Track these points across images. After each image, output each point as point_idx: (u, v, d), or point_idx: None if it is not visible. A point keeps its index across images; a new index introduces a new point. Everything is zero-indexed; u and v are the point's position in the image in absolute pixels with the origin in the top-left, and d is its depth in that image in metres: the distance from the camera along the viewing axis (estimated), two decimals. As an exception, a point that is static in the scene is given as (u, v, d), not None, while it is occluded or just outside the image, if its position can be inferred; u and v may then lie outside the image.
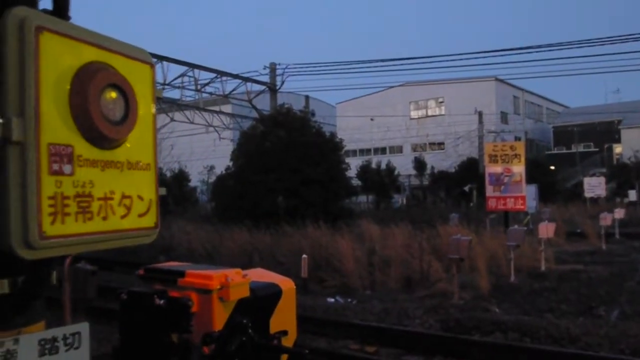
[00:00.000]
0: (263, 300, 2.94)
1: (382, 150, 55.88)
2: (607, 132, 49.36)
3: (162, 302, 2.59)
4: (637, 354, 6.21)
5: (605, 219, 16.19)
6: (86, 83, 0.97)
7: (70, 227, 0.95)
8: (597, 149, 50.78)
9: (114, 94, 1.02)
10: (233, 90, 26.37)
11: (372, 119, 52.45)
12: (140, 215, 1.12)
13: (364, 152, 54.53)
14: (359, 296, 9.53)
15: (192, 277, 2.76)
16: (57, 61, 0.94)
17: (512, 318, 7.57)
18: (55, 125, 0.93)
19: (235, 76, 25.85)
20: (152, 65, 1.19)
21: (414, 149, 54.15)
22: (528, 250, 11.82)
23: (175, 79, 24.15)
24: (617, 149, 45.74)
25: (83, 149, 0.97)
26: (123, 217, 1.06)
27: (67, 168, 0.95)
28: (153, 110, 1.17)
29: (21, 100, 0.89)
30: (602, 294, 9.28)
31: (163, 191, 1.26)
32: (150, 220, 1.14)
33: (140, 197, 1.11)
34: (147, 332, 2.77)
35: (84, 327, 1.12)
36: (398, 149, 55.90)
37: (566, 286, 9.90)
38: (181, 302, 2.63)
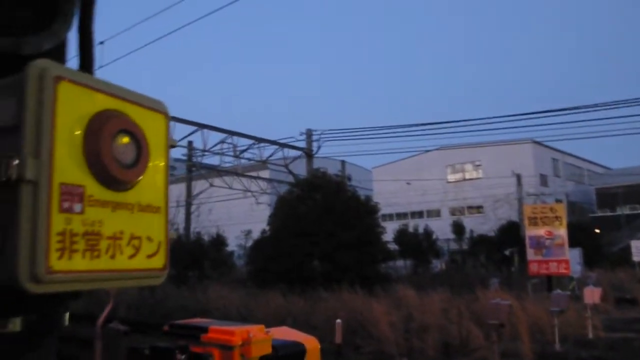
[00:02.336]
0: (285, 358, 2.89)
1: (420, 214, 55.34)
2: (654, 194, 47.74)
3: (183, 357, 2.58)
4: None
5: (657, 284, 15.37)
6: (99, 128, 1.03)
7: (78, 264, 0.98)
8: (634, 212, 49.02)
9: (126, 139, 1.08)
10: (270, 156, 26.95)
11: (408, 183, 52.35)
12: (149, 256, 1.15)
13: (400, 216, 54.11)
14: (396, 363, 9.20)
15: (214, 332, 2.76)
16: (73, 107, 1.01)
17: (559, 388, 7.14)
18: (68, 166, 0.99)
19: (273, 142, 26.49)
20: (167, 115, 1.25)
21: (452, 213, 53.43)
22: (573, 317, 11.25)
23: (215, 145, 24.94)
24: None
25: (94, 189, 1.02)
26: (131, 257, 1.09)
27: (77, 207, 1.00)
28: (166, 156, 1.23)
29: (37, 143, 0.95)
30: (656, 363, 8.69)
31: (173, 235, 1.29)
32: (159, 261, 1.17)
33: (149, 239, 1.14)
34: (168, 389, 2.75)
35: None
36: (436, 213, 55.27)
37: (616, 355, 9.32)
38: (202, 357, 2.62)
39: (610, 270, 25.88)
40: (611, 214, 50.74)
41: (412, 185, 52.05)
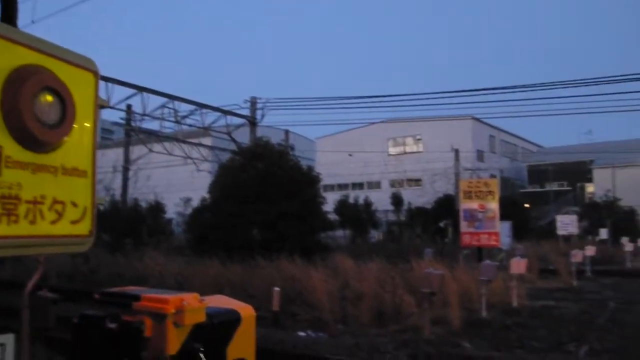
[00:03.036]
0: (220, 326, 2.88)
1: (360, 186, 56.17)
2: (580, 172, 50.48)
3: (114, 325, 2.52)
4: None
5: (577, 257, 16.40)
6: (20, 84, 0.97)
7: (-7, 229, 0.93)
8: (570, 188, 51.80)
9: (49, 97, 1.01)
10: (213, 123, 26.43)
11: (350, 155, 52.86)
12: (74, 222, 1.10)
13: (342, 187, 54.71)
14: (331, 330, 9.40)
15: (147, 300, 2.70)
16: (-11, 61, 0.94)
17: (483, 354, 7.54)
18: (-17, 124, 0.92)
19: (216, 109, 25.96)
20: (96, 73, 1.19)
21: (392, 185, 54.56)
22: (500, 286, 11.86)
23: (155, 110, 24.16)
24: (589, 188, 46.78)
25: (12, 150, 0.96)
26: (54, 222, 1.04)
27: (-7, 168, 0.93)
28: (94, 117, 1.17)
29: (-53, 98, 0.88)
30: (572, 330, 9.32)
31: (102, 200, 1.25)
32: (84, 227, 1.12)
33: (74, 204, 1.09)
34: (98, 356, 2.69)
35: (8, 339, 1.08)
36: (376, 185, 56.28)
37: (537, 322, 9.92)
38: (134, 326, 2.57)
39: (537, 242, 27.38)
40: (540, 189, 53.33)
41: (354, 157, 52.61)
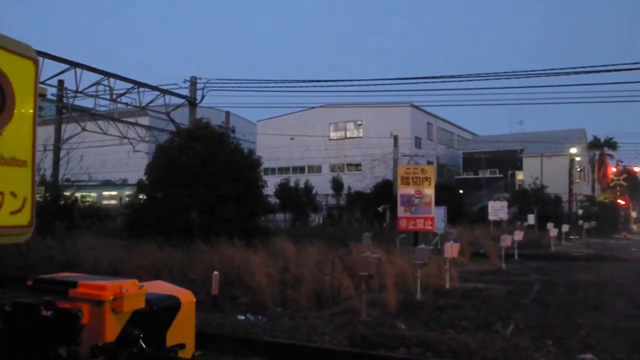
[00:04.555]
0: (159, 312, 2.88)
1: (301, 170, 56.34)
2: (511, 160, 52.73)
3: (49, 313, 2.47)
4: (527, 366, 6.63)
5: (506, 241, 17.23)
6: (-44, 73, 0.94)
7: None
8: (501, 175, 53.98)
9: (-13, 87, 0.99)
10: (150, 102, 25.71)
11: (292, 138, 52.83)
12: (13, 213, 1.09)
13: (282, 170, 54.69)
14: (270, 313, 9.48)
15: (84, 287, 2.66)
16: None
17: (417, 334, 7.83)
18: None
19: (154, 88, 25.24)
20: (36, 61, 1.17)
21: (332, 169, 55.07)
22: (434, 269, 12.32)
23: (89, 87, 23.21)
24: (519, 175, 48.97)
25: (-52, 140, 0.94)
26: (-8, 213, 1.03)
27: None
28: (34, 106, 1.15)
29: None
30: (499, 310, 9.82)
31: (41, 190, 1.23)
32: (24, 218, 1.11)
33: (13, 194, 1.08)
34: (33, 345, 2.63)
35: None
36: (317, 169, 56.62)
37: (468, 303, 10.40)
38: (70, 314, 2.53)
39: (470, 227, 28.49)
40: (474, 176, 55.30)
41: (295, 141, 52.63)
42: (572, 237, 32.29)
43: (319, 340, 7.64)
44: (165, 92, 25.44)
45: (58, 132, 23.49)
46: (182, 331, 2.87)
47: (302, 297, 10.07)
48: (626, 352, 7.17)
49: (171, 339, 2.81)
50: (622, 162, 60.43)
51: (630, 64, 19.46)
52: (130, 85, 24.20)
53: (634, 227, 55.65)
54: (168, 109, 25.86)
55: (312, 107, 48.95)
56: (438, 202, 19.12)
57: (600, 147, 59.35)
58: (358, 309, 9.04)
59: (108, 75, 23.09)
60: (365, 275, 8.81)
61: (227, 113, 30.24)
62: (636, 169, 63.15)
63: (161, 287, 3.05)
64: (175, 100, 26.74)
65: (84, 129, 24.37)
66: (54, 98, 23.66)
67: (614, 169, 60.55)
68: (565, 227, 29.22)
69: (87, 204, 35.52)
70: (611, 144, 58.72)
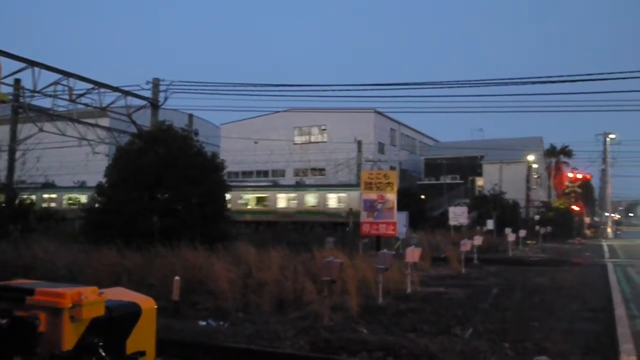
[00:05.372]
0: (119, 319, 2.85)
1: (265, 174, 56.20)
2: (471, 166, 53.86)
3: (4, 321, 2.41)
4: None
5: (465, 246, 17.59)
6: None
7: None
8: (462, 181, 55.04)
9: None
10: (111, 104, 25.18)
11: (256, 142, 52.62)
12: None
13: (246, 174, 54.43)
14: (232, 319, 9.42)
15: (41, 295, 2.61)
16: None
17: (378, 338, 7.92)
18: None
19: (115, 89, 24.74)
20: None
21: (296, 174, 55.10)
22: (396, 274, 12.47)
23: (47, 86, 22.57)
24: (479, 181, 50.06)
25: None
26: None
27: None
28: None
29: None
30: (459, 314, 10.02)
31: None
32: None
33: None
34: (-14, 354, 2.55)
35: None
36: (281, 173, 56.55)
37: (428, 307, 10.57)
38: (27, 322, 2.48)
39: (431, 232, 28.94)
40: (436, 182, 56.20)
41: (260, 145, 52.45)
42: (529, 242, 33.20)
43: (280, 345, 7.64)
44: (126, 93, 24.97)
45: (14, 132, 22.79)
46: (142, 338, 2.84)
47: (264, 302, 10.04)
48: (579, 355, 7.43)
49: (131, 346, 2.78)
50: (576, 169, 62.54)
51: (584, 74, 20.21)
52: (90, 85, 23.66)
53: (588, 232, 57.65)
54: (129, 110, 25.38)
55: (277, 111, 48.93)
56: (400, 207, 19.37)
57: (556, 155, 61.26)
58: (320, 313, 9.07)
59: (67, 74, 22.52)
60: (328, 279, 8.86)
61: (190, 116, 29.88)
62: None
63: (122, 294, 3.01)
64: (137, 102, 26.27)
65: (41, 130, 23.69)
66: (11, 97, 22.95)
67: (570, 175, 62.54)
68: (522, 232, 30.04)
69: (46, 206, 34.56)
70: (566, 152, 60.70)
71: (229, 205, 20.96)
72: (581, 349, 7.71)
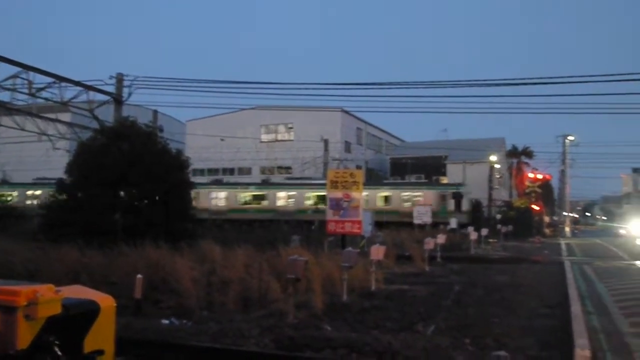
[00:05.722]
0: (77, 317, 2.79)
1: (231, 171, 55.78)
2: (436, 166, 54.64)
3: (-45, 320, 2.34)
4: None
5: (429, 244, 17.84)
6: None
7: None
8: (426, 180, 55.77)
9: None
10: (73, 98, 24.57)
11: (222, 139, 52.17)
12: None
13: (212, 171, 53.91)
14: (196, 317, 9.34)
15: (-5, 292, 2.53)
16: None
17: (342, 335, 7.98)
18: None
19: (77, 83, 24.14)
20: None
21: (263, 172, 54.90)
22: (361, 272, 12.57)
23: (5, 80, 21.85)
24: (443, 181, 50.72)
25: None
26: None
27: None
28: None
29: None
30: (422, 311, 10.18)
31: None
32: None
33: None
34: None
35: None
36: (247, 171, 56.24)
37: (392, 304, 10.70)
38: (-21, 320, 2.40)
39: (396, 230, 29.25)
40: (401, 181, 56.79)
41: (226, 142, 52.02)
42: (490, 240, 33.90)
43: (245, 344, 7.62)
44: (89, 88, 24.38)
45: (-31, 126, 22.02)
46: (101, 337, 2.80)
47: (229, 300, 9.99)
48: (537, 349, 7.65)
49: (89, 345, 2.73)
50: (537, 170, 64.16)
51: (546, 77, 20.76)
52: (51, 79, 23.01)
53: (547, 231, 59.22)
54: (92, 105, 24.80)
55: (244, 109, 48.58)
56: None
57: (518, 156, 62.70)
58: (285, 311, 9.08)
59: (27, 68, 21.86)
60: (293, 278, 8.87)
61: (155, 112, 29.45)
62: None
63: (79, 292, 2.96)
64: (100, 97, 25.66)
65: (-2, 124, 22.96)
66: (-35, 90, 22.15)
67: (530, 175, 64.08)
68: (484, 231, 30.63)
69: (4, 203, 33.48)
70: (527, 153, 62.20)
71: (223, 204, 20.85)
72: (539, 344, 7.94)
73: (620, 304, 10.82)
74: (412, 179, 46.50)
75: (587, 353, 6.86)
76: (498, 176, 57.39)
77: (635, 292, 12.51)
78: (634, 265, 19.62)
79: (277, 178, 49.93)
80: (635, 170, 66.88)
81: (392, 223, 33.22)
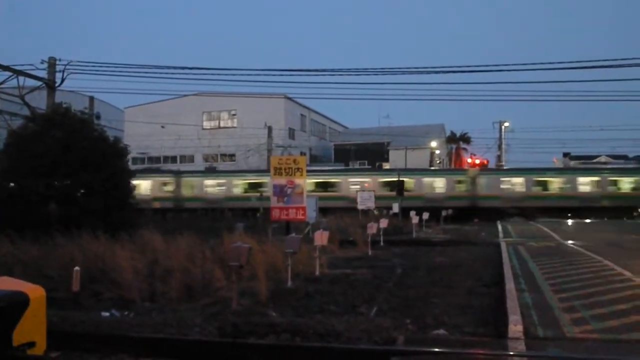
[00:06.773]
0: (4, 309, 2.69)
1: (173, 159, 54.62)
2: (379, 152, 55.56)
3: None
4: (388, 343, 7.11)
5: (372, 228, 18.15)
6: None
7: None
8: (370, 166, 56.62)
9: None
10: (1, 84, 23.40)
11: (163, 127, 50.93)
12: None
13: (153, 160, 52.62)
14: (138, 308, 9.15)
15: None
16: None
17: (286, 320, 8.03)
18: None
19: (5, 67, 22.97)
20: None
21: (206, 159, 54.10)
22: (305, 257, 12.66)
23: None
24: (386, 166, 51.68)
25: None
26: None
27: None
28: None
29: None
30: (364, 294, 10.37)
31: None
32: None
33: None
34: None
35: None
36: (189, 158, 55.24)
37: (336, 288, 10.85)
38: None
39: (340, 216, 29.57)
40: (345, 167, 57.37)
41: (167, 129, 50.84)
42: (431, 224, 34.83)
43: (189, 333, 7.54)
44: (19, 72, 23.26)
45: None
46: (32, 328, 2.71)
47: (171, 289, 9.84)
48: (473, 326, 7.97)
49: (19, 337, 2.64)
50: (475, 155, 66.34)
51: (483, 66, 21.40)
52: (-24, 63, 21.78)
53: (485, 214, 61.39)
54: (22, 91, 23.65)
55: (185, 95, 47.55)
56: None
57: (457, 142, 64.58)
58: (229, 299, 9.04)
59: (-52, 51, 20.57)
60: (236, 265, 8.83)
61: (91, 98, 28.38)
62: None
63: (8, 284, 2.85)
64: (31, 83, 24.53)
65: None
66: None
67: (469, 160, 66.21)
68: (425, 215, 31.43)
69: None
70: (465, 139, 64.17)
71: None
72: (475, 321, 8.27)
73: (550, 281, 11.40)
74: (356, 165, 47.11)
75: (519, 328, 7.22)
76: (438, 161, 58.98)
77: (564, 269, 13.22)
78: (564, 244, 20.69)
79: (221, 166, 49.32)
80: (565, 154, 70.25)
81: (338, 209, 33.68)
